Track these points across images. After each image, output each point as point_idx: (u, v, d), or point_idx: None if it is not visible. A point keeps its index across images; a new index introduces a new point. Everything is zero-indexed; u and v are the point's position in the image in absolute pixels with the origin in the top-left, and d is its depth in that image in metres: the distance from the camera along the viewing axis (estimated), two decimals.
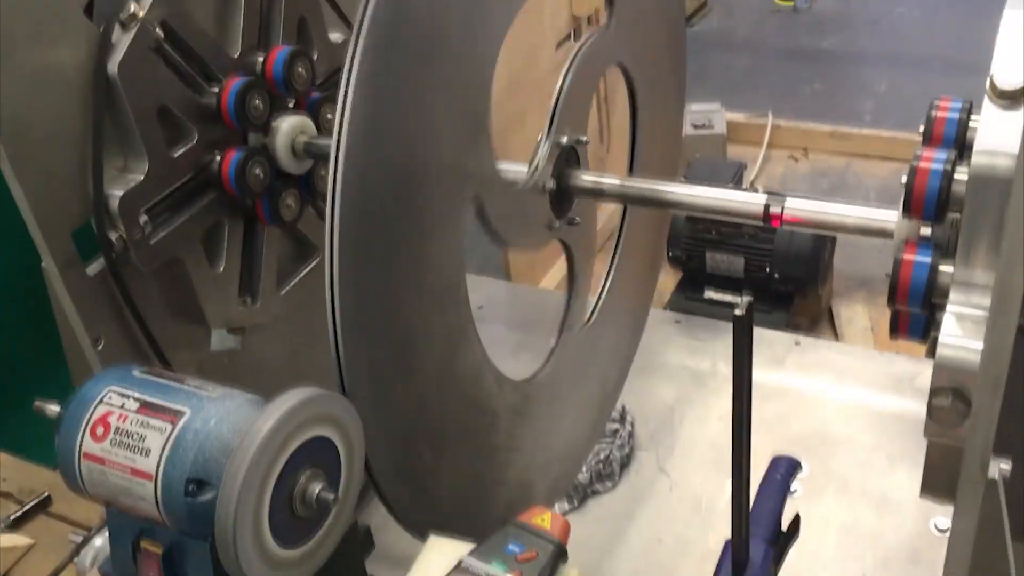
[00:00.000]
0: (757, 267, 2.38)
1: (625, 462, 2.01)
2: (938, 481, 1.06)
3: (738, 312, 0.82)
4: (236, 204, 1.47)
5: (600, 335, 1.54)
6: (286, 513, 0.91)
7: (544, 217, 1.30)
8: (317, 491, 0.91)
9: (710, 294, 2.47)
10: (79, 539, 1.20)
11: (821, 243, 2.33)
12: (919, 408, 2.19)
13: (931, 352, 2.25)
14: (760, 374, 2.22)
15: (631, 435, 2.04)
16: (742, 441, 0.90)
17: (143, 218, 1.32)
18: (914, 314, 1.10)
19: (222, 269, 1.50)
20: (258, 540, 0.88)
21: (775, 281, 2.38)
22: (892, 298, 1.05)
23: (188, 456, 0.89)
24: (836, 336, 2.55)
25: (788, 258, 2.33)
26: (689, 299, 2.50)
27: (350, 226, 0.98)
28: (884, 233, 1.13)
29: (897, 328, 1.12)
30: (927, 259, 1.04)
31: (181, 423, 0.91)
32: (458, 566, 0.87)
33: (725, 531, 1.92)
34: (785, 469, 1.09)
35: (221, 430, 0.91)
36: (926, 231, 1.10)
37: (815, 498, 1.93)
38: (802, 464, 1.13)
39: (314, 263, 1.69)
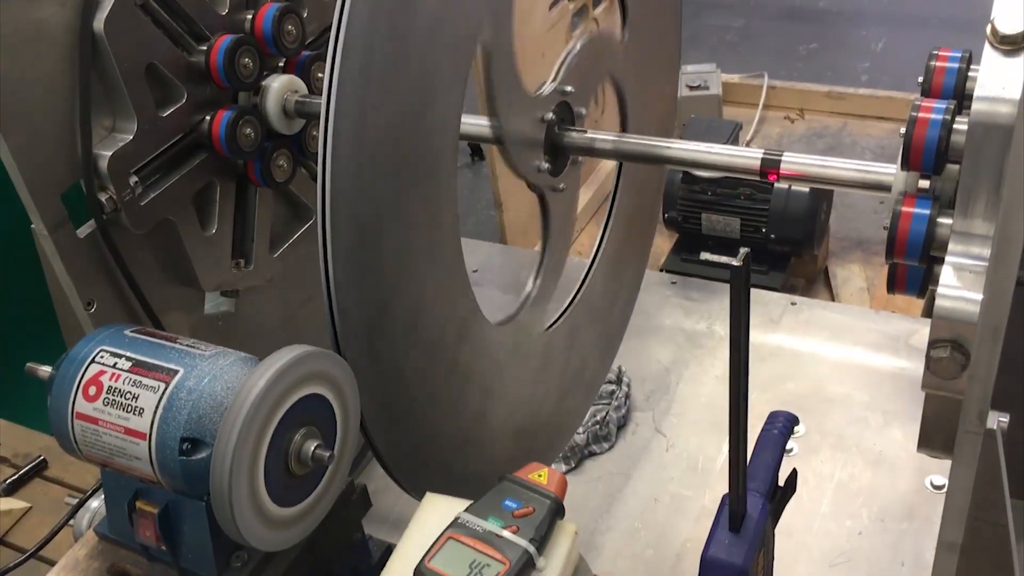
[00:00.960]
0: (753, 228, 2.37)
1: (622, 423, 2.01)
2: (935, 435, 1.05)
3: (735, 263, 0.81)
4: (227, 165, 1.45)
5: (593, 300, 1.53)
6: (282, 471, 0.90)
7: (536, 154, 1.28)
8: (312, 449, 0.91)
9: (706, 256, 2.44)
10: (75, 502, 1.20)
11: (817, 204, 2.32)
12: (914, 366, 2.21)
13: (928, 311, 2.27)
14: (756, 335, 2.23)
15: (628, 396, 2.04)
16: (739, 392, 0.89)
17: (133, 179, 1.30)
18: (912, 268, 1.09)
19: (214, 231, 1.49)
20: (254, 499, 0.87)
21: (771, 242, 2.37)
22: (890, 251, 1.04)
23: (182, 415, 0.89)
24: (832, 297, 2.54)
25: (784, 219, 2.31)
26: (685, 261, 2.49)
27: (342, 184, 0.96)
28: (882, 187, 1.12)
29: (895, 283, 1.11)
30: (926, 211, 1.03)
31: (174, 382, 0.90)
32: (455, 522, 0.87)
33: (721, 490, 1.92)
34: (782, 424, 1.09)
35: (214, 388, 0.90)
36: (924, 184, 1.09)
37: (811, 456, 1.93)
38: (799, 420, 1.13)
39: (308, 226, 1.67)
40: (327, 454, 0.91)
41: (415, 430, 1.13)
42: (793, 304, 2.27)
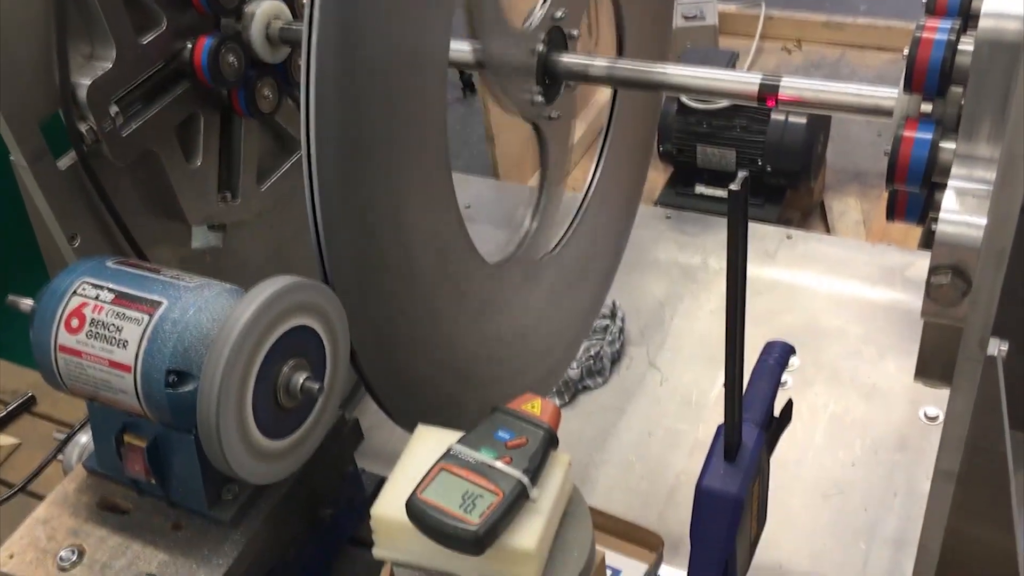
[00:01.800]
0: (749, 160, 2.33)
1: (616, 358, 2.00)
2: (933, 364, 1.04)
3: (734, 187, 0.79)
4: (211, 95, 1.41)
5: (589, 229, 1.50)
6: (271, 404, 0.89)
7: (529, 83, 1.25)
8: (302, 381, 0.89)
9: (701, 189, 2.43)
10: (63, 437, 1.19)
11: (814, 135, 2.28)
12: (909, 299, 2.19)
13: (926, 243, 2.23)
14: (752, 268, 2.20)
15: (622, 331, 2.03)
16: (736, 320, 0.87)
17: (113, 109, 1.27)
18: (912, 195, 1.07)
19: (199, 164, 1.45)
20: (243, 431, 0.86)
21: (767, 175, 2.34)
22: (891, 177, 1.02)
23: (167, 347, 0.87)
24: (828, 229, 2.52)
25: (781, 150, 2.28)
26: (680, 194, 2.46)
27: (327, 112, 0.93)
28: (882, 111, 1.09)
29: (894, 210, 1.09)
30: (928, 135, 1.00)
31: (158, 313, 0.88)
32: (447, 453, 0.85)
33: (715, 424, 1.93)
34: (778, 354, 1.08)
35: (200, 320, 0.88)
36: (927, 108, 1.06)
37: (805, 389, 1.93)
38: (795, 350, 1.11)
39: (295, 158, 1.64)
40: (316, 386, 0.89)
41: (406, 363, 1.12)
42: (789, 237, 2.25)
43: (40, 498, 1.07)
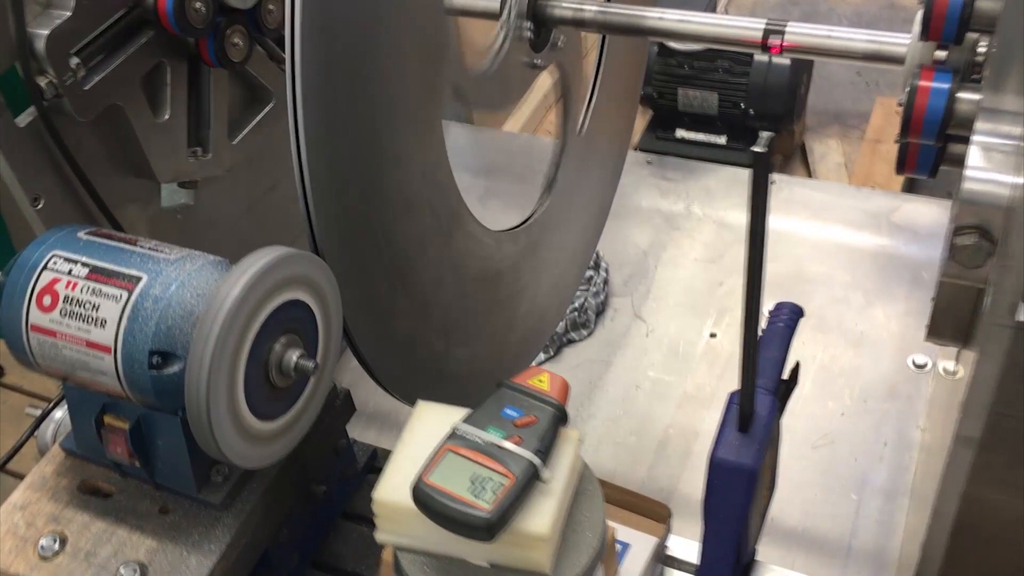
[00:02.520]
0: (732, 103, 2.28)
1: (600, 309, 1.97)
2: (947, 324, 1.00)
3: (758, 148, 0.74)
4: (177, 44, 1.33)
5: (578, 179, 1.45)
6: (262, 384, 0.83)
7: (526, 62, 1.19)
8: (295, 359, 0.84)
9: (682, 133, 2.38)
10: (37, 412, 1.13)
11: (798, 77, 2.23)
12: (896, 244, 2.17)
13: (910, 187, 2.18)
14: (736, 215, 2.17)
15: (606, 282, 1.99)
16: (755, 287, 0.83)
17: (74, 60, 1.19)
18: (924, 147, 1.03)
19: (167, 117, 1.38)
20: (234, 415, 0.81)
21: (750, 118, 2.29)
22: (905, 130, 0.97)
23: (149, 326, 0.81)
24: (809, 172, 2.48)
25: (765, 93, 2.23)
26: (660, 139, 2.41)
27: (313, 66, 0.86)
28: (895, 59, 1.04)
29: (905, 162, 1.05)
30: (945, 85, 0.95)
31: (138, 290, 0.82)
32: (453, 434, 0.81)
33: (703, 375, 1.91)
34: (788, 316, 1.03)
35: (183, 296, 0.82)
36: (940, 55, 1.01)
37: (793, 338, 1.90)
38: (803, 312, 1.07)
39: (268, 109, 1.57)
40: (311, 364, 0.84)
41: (400, 333, 1.07)
42: (772, 183, 2.20)
43: (15, 476, 1.02)
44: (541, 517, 0.78)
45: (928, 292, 1.95)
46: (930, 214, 2.09)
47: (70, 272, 0.85)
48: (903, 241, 2.03)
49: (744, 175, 2.25)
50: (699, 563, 0.93)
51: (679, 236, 2.13)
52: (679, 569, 1.00)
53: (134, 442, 0.89)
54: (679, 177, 2.26)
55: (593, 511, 0.84)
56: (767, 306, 1.94)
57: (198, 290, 0.82)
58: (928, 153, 1.02)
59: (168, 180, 1.43)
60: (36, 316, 0.85)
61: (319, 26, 0.86)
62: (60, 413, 1.11)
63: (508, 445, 0.79)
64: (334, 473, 1.04)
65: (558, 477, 0.80)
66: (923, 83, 0.96)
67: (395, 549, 0.84)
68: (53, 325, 0.84)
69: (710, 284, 2.01)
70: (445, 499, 0.77)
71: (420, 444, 0.84)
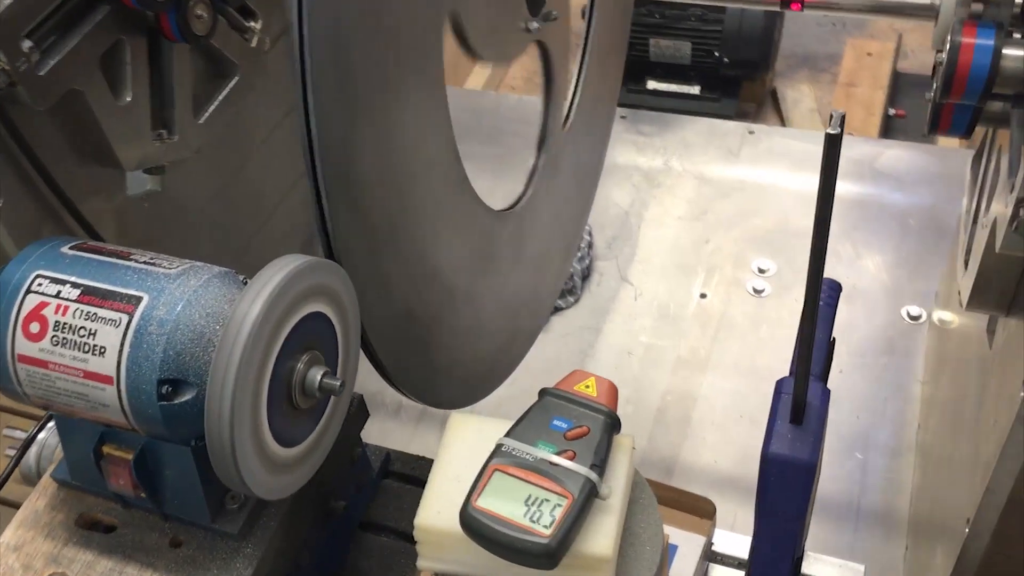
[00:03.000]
0: (705, 52, 2.21)
1: (586, 274, 1.91)
2: (990, 293, 0.96)
3: (830, 130, 0.67)
4: (136, 19, 1.22)
5: (575, 145, 1.37)
6: (285, 408, 0.75)
7: (520, 18, 1.10)
8: (319, 378, 0.76)
9: (654, 85, 2.31)
10: (15, 433, 1.04)
11: (772, 22, 2.17)
12: (881, 192, 2.13)
13: (886, 132, 2.12)
14: (717, 169, 2.11)
15: (590, 245, 1.93)
16: (817, 273, 0.77)
17: (26, 44, 1.07)
18: (960, 106, 0.97)
19: (129, 100, 1.27)
20: (259, 446, 0.73)
21: (724, 66, 2.23)
22: (947, 90, 0.91)
23: (155, 352, 0.73)
24: (782, 119, 2.43)
25: (739, 40, 2.16)
26: (632, 92, 2.33)
27: (323, 54, 0.77)
28: (929, 10, 0.98)
29: (938, 123, 0.99)
30: (990, 42, 0.89)
31: (139, 312, 0.74)
32: (498, 450, 0.74)
33: (696, 337, 1.86)
34: (828, 293, 0.98)
35: (192, 317, 0.74)
36: (976, 8, 0.96)
37: (784, 295, 1.87)
38: (842, 287, 1.01)
39: (233, 83, 1.46)
40: (337, 383, 0.76)
41: (414, 329, 0.99)
42: (751, 133, 2.16)
43: (9, 506, 0.93)
44: (602, 537, 0.73)
45: (918, 241, 1.92)
46: (913, 160, 2.05)
47: (58, 294, 0.76)
48: (888, 189, 1.99)
49: (721, 127, 2.19)
50: (751, 562, 0.88)
51: (660, 193, 2.07)
52: (724, 564, 0.95)
53: (139, 473, 0.81)
54: (654, 131, 2.20)
55: (650, 522, 0.79)
56: (757, 262, 1.90)
57: (207, 308, 0.74)
58: (964, 113, 0.97)
59: (134, 167, 1.33)
60: (23, 346, 0.76)
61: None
62: (43, 434, 1.02)
63: (562, 461, 0.73)
64: (351, 485, 0.97)
65: (616, 491, 0.75)
66: (966, 39, 0.90)
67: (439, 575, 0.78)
68: (44, 355, 0.75)
69: (696, 242, 1.96)
70: (498, 525, 0.71)
71: (461, 462, 0.78)
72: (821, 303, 0.95)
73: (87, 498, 0.88)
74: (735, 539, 0.96)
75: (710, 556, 0.94)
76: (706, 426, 1.67)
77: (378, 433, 0.96)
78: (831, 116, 0.68)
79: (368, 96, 0.84)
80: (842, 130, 0.69)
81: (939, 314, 1.70)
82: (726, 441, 1.65)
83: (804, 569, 0.94)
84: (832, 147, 0.68)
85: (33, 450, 1.02)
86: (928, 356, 1.71)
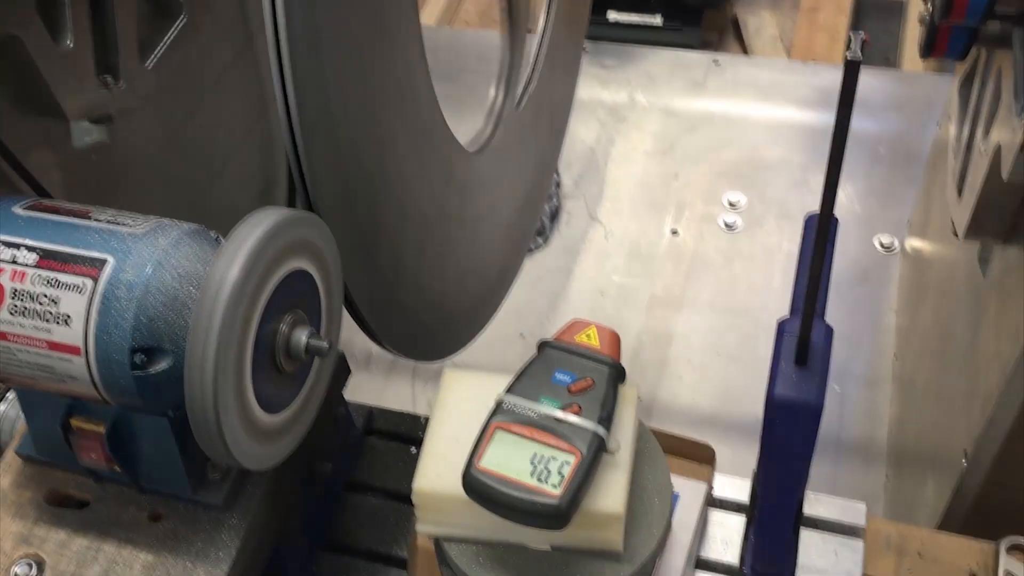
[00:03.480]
0: None
1: (554, 214, 1.86)
2: (989, 220, 0.94)
3: (850, 56, 0.63)
4: None
5: (545, 84, 1.32)
6: (270, 373, 0.71)
7: None
8: (304, 339, 0.71)
9: (614, 16, 2.24)
10: None
11: None
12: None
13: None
14: (683, 101, 2.06)
15: (558, 184, 1.88)
16: (829, 207, 0.73)
17: None
18: (957, 28, 0.93)
19: (70, 44, 1.19)
20: (244, 414, 0.68)
21: None
22: (947, 10, 0.87)
23: (126, 319, 0.67)
24: (744, 48, 2.38)
25: None
26: (593, 24, 2.24)
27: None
28: None
29: (933, 45, 0.95)
30: None
31: (105, 276, 0.68)
32: (500, 407, 0.70)
33: (669, 275, 1.83)
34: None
35: (163, 279, 0.68)
36: None
37: (756, 228, 1.84)
38: (839, 222, 0.98)
39: (180, 23, 1.37)
40: (325, 344, 0.71)
41: (392, 282, 0.94)
42: (716, 63, 2.11)
43: None
44: (612, 493, 0.69)
45: (888, 169, 1.90)
46: (880, 86, 2.02)
47: (14, 260, 0.69)
48: (857, 116, 1.93)
49: (686, 58, 2.14)
50: (756, 507, 0.86)
51: (626, 128, 2.02)
52: (724, 509, 0.93)
53: (112, 446, 0.76)
54: (617, 64, 2.14)
55: (657, 474, 0.76)
56: (727, 196, 1.87)
57: (179, 270, 0.69)
58: (961, 35, 0.93)
59: (79, 116, 1.24)
60: None
61: None
62: (1, 407, 0.96)
63: (567, 416, 0.69)
64: (335, 445, 0.93)
65: (624, 445, 0.71)
66: None
67: (439, 540, 0.74)
68: (3, 326, 0.69)
69: (664, 177, 1.92)
70: (504, 486, 0.67)
71: (457, 421, 0.73)
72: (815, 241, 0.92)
73: (56, 473, 0.83)
74: (732, 482, 0.94)
75: (709, 501, 0.91)
76: (683, 365, 1.65)
77: (349, 386, 0.92)
78: (850, 39, 0.64)
79: (342, 34, 0.77)
80: (862, 54, 0.64)
81: (912, 242, 1.69)
82: (703, 379, 1.63)
83: (806, 509, 0.92)
84: (851, 74, 0.64)
85: None
86: (902, 285, 1.70)
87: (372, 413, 1.01)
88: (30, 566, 0.78)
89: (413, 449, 0.99)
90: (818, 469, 1.55)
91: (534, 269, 1.79)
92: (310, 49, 0.72)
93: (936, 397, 1.21)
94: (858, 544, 0.89)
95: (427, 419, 0.79)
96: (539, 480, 0.67)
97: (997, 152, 0.86)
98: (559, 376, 0.72)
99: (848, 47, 0.63)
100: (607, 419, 0.70)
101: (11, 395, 0.94)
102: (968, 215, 0.94)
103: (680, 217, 1.86)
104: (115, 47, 1.26)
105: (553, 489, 0.66)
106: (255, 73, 1.60)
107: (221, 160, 1.67)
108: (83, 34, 1.20)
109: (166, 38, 1.36)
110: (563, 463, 0.67)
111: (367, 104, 0.82)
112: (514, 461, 0.67)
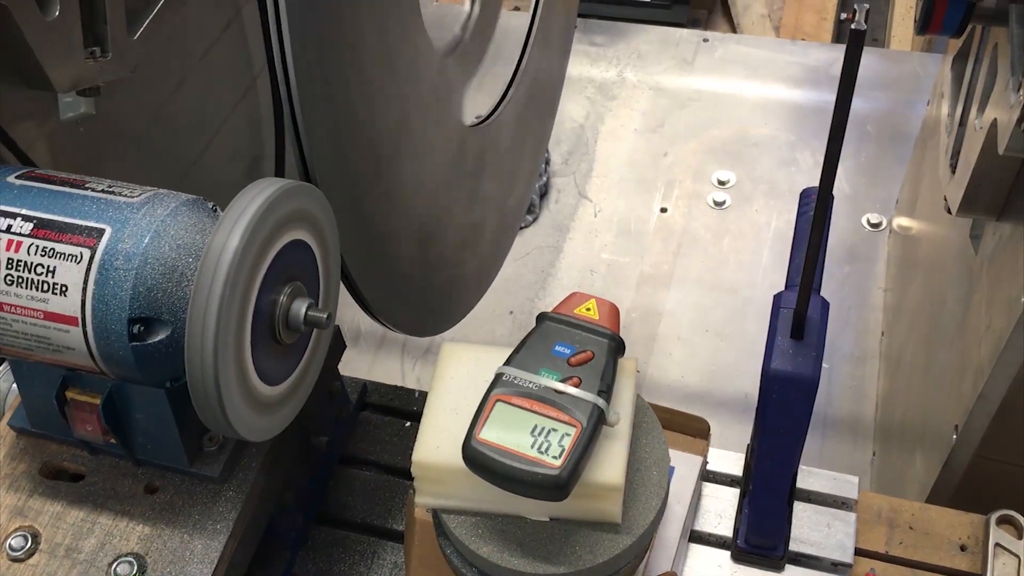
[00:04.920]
0: None
1: (544, 191, 1.86)
2: (982, 196, 0.94)
3: (855, 26, 0.63)
4: None
5: (540, 57, 1.31)
6: (269, 345, 0.70)
7: None
8: (303, 311, 0.71)
9: None
10: None
11: None
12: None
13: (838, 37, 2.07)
14: (672, 78, 2.06)
15: (547, 162, 1.87)
16: (828, 180, 0.73)
17: None
18: (953, 4, 0.93)
19: (57, 14, 1.17)
20: (243, 385, 0.68)
21: None
22: None
23: (124, 289, 0.66)
24: (733, 27, 2.38)
25: None
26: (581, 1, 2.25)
27: None
28: None
29: (929, 21, 0.95)
30: None
31: (102, 246, 0.67)
32: (499, 379, 0.70)
33: (658, 252, 1.83)
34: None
35: (161, 249, 0.68)
36: None
37: (745, 206, 1.85)
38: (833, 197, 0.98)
39: None
40: (323, 315, 0.71)
41: (389, 255, 0.94)
42: (705, 41, 2.11)
43: None
44: (612, 465, 0.70)
45: (876, 148, 1.90)
46: (868, 65, 2.02)
47: (8, 229, 0.69)
48: None
49: (675, 35, 2.13)
50: (750, 479, 0.86)
51: (615, 106, 2.01)
52: (717, 483, 0.93)
53: (108, 418, 0.76)
54: (606, 41, 2.13)
55: (655, 446, 0.76)
56: (716, 174, 1.87)
57: (177, 240, 0.68)
58: (957, 10, 0.93)
59: (67, 88, 1.22)
60: None
61: None
62: None
63: (567, 388, 0.69)
64: (330, 419, 0.93)
65: (624, 418, 0.71)
66: None
67: (438, 512, 0.74)
68: None
69: (653, 155, 1.92)
70: (505, 458, 0.67)
71: (456, 393, 0.73)
72: (813, 213, 0.92)
73: (50, 446, 0.83)
74: (726, 456, 0.94)
75: (704, 475, 0.92)
76: (672, 341, 1.66)
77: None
78: (854, 10, 0.64)
79: (339, 8, 0.77)
80: (866, 24, 0.64)
81: (900, 221, 1.70)
82: (692, 355, 1.64)
83: (799, 483, 0.92)
84: (855, 45, 0.64)
85: None
86: (890, 263, 1.71)
87: (366, 387, 1.00)
88: (25, 539, 0.78)
89: (407, 423, 0.99)
90: (807, 446, 1.56)
91: (523, 246, 1.79)
92: (308, 13, 0.72)
93: (925, 373, 1.22)
94: (850, 517, 0.90)
95: (421, 394, 0.79)
96: (540, 451, 0.67)
97: (992, 128, 0.86)
98: (559, 348, 0.72)
99: (853, 17, 0.63)
100: (607, 391, 0.70)
101: (2, 368, 0.93)
102: (962, 191, 0.94)
103: (669, 195, 1.86)
104: (103, 17, 1.24)
105: (553, 460, 0.66)
106: (243, 46, 1.58)
107: (209, 135, 1.66)
108: (70, 4, 1.18)
109: (154, 10, 1.34)
110: (563, 435, 0.67)
111: (365, 70, 0.82)
112: (514, 433, 0.68)
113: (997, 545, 0.86)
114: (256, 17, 0.75)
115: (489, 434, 0.68)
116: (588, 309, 0.75)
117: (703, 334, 1.66)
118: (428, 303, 1.07)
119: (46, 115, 1.24)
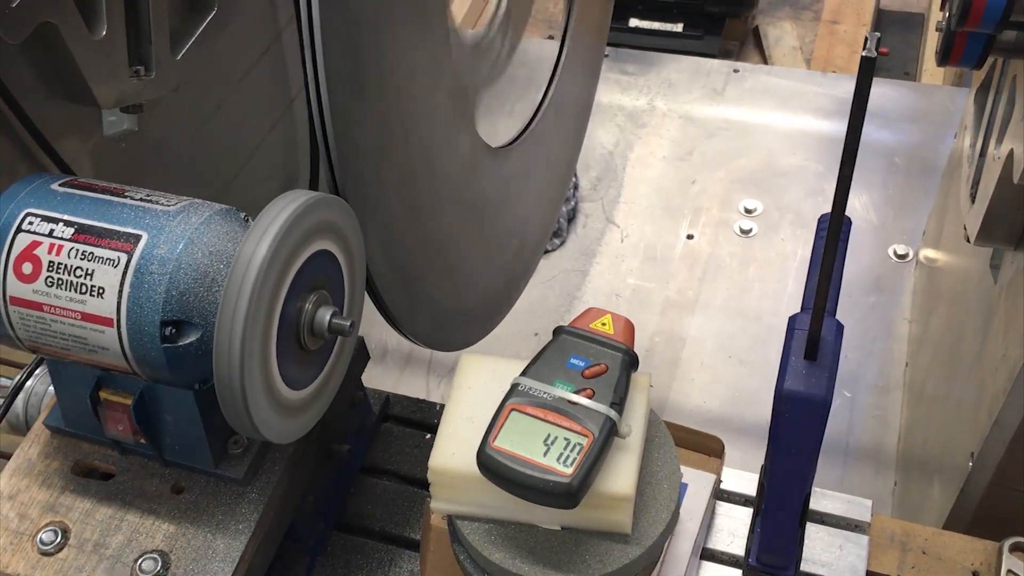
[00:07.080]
0: None
1: (572, 216, 1.88)
2: (999, 227, 0.95)
3: (867, 54, 0.65)
4: None
5: (569, 83, 1.34)
6: (294, 350, 0.73)
7: None
8: (328, 318, 0.73)
9: (636, 22, 2.26)
10: (9, 386, 1.00)
11: None
12: (866, 130, 2.11)
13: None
14: (702, 108, 2.08)
15: (575, 187, 1.90)
16: (841, 206, 0.75)
17: None
18: (974, 35, 0.95)
19: (104, 33, 1.21)
20: (269, 389, 0.70)
21: (707, 2, 2.19)
22: (963, 17, 0.89)
23: (158, 293, 0.69)
24: (765, 59, 2.40)
25: None
26: (613, 30, 2.26)
27: None
28: None
29: (949, 53, 0.97)
30: None
31: (139, 251, 0.70)
32: (515, 389, 0.72)
33: (684, 279, 1.85)
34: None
35: (194, 256, 0.71)
36: None
37: (771, 235, 1.86)
38: (851, 221, 1.00)
39: (211, 16, 1.40)
40: (347, 323, 0.74)
41: (413, 268, 0.97)
42: (735, 71, 2.13)
43: None
44: (622, 476, 0.71)
45: (904, 180, 1.91)
46: (898, 97, 2.04)
47: (51, 233, 0.72)
48: (874, 127, 1.98)
49: (706, 65, 2.16)
50: (762, 499, 0.87)
51: (645, 134, 2.04)
52: (731, 502, 0.94)
53: (138, 418, 0.78)
54: (638, 70, 2.16)
55: (666, 461, 0.78)
56: (744, 202, 1.89)
57: (210, 247, 0.71)
58: (977, 42, 0.94)
59: (111, 105, 1.27)
60: (15, 287, 0.72)
61: None
62: (29, 382, 0.99)
63: (580, 400, 0.71)
64: (352, 428, 0.95)
65: (636, 430, 0.73)
66: None
67: (452, 517, 0.76)
68: (39, 297, 0.72)
69: (681, 183, 1.94)
70: (518, 465, 0.69)
71: (474, 403, 0.75)
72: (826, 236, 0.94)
73: (82, 445, 0.86)
74: (740, 476, 0.96)
75: (717, 494, 0.93)
76: (695, 367, 1.67)
77: (364, 378, 0.94)
78: (866, 39, 0.66)
79: (372, 31, 0.80)
80: (878, 52, 0.66)
81: (926, 252, 1.70)
82: (715, 381, 1.65)
83: (812, 504, 0.93)
84: (866, 72, 0.66)
85: (20, 397, 0.98)
86: (916, 294, 1.72)
87: (389, 399, 1.03)
88: (56, 533, 0.81)
89: (428, 435, 1.01)
90: (828, 474, 1.57)
91: (550, 269, 1.81)
92: (343, 28, 0.75)
93: (944, 402, 1.22)
94: (863, 539, 0.90)
95: (442, 407, 0.81)
96: (551, 460, 0.69)
97: (1009, 158, 0.88)
98: (573, 361, 0.74)
99: (864, 46, 0.65)
100: (619, 403, 0.72)
101: (40, 371, 0.97)
102: (980, 220, 0.95)
103: (696, 222, 1.87)
104: (148, 38, 1.29)
105: (565, 469, 0.68)
106: (281, 69, 1.63)
107: (246, 153, 1.70)
108: (117, 23, 1.23)
109: (197, 31, 1.39)
110: (575, 444, 0.69)
111: (396, 95, 0.85)
112: (528, 441, 0.70)
113: (1009, 572, 0.87)
114: (295, 41, 0.78)
115: (503, 442, 0.70)
116: (604, 324, 0.77)
117: (726, 360, 1.67)
118: (453, 318, 1.10)
119: (90, 130, 1.28)
